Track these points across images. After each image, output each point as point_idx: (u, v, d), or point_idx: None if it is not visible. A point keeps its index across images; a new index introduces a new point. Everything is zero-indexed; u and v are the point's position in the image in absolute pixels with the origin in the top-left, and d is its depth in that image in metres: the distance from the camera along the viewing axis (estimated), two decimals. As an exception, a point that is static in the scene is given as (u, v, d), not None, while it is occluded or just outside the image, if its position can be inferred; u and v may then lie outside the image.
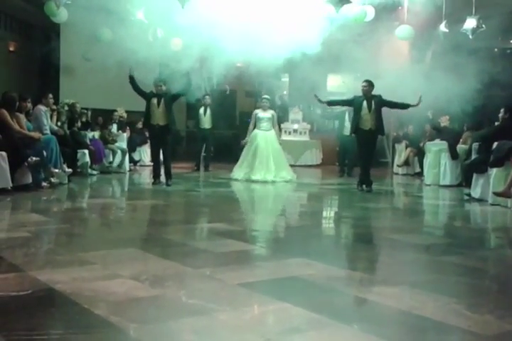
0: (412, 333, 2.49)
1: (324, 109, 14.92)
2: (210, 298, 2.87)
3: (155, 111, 8.80)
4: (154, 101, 8.82)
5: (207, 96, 12.44)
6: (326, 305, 2.84)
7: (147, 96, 8.93)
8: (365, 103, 8.49)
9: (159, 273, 3.36)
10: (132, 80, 8.83)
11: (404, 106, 8.68)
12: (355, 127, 8.63)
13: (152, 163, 9.65)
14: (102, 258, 3.71)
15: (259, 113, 10.33)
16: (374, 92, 8.55)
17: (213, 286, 3.12)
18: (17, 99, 7.71)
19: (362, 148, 8.71)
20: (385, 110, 8.64)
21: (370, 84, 8.54)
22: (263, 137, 10.19)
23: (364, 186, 8.58)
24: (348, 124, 11.09)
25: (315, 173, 13.08)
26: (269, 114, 10.34)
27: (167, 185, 8.68)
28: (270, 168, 9.97)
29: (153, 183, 8.86)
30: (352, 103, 8.76)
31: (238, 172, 10.15)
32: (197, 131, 12.58)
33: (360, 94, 8.62)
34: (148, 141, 13.82)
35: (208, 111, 12.30)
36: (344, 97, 9.34)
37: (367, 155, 8.73)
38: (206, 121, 12.27)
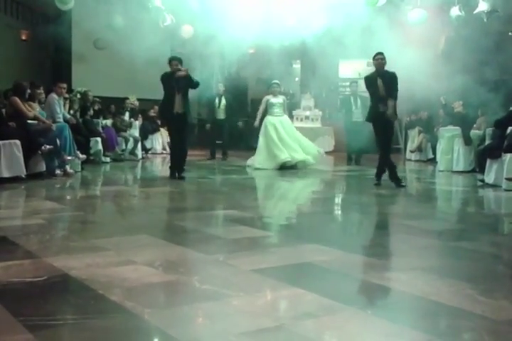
0: (426, 318, 2.48)
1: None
2: (223, 283, 2.88)
3: (175, 96, 7.87)
4: (173, 84, 7.86)
5: (220, 84, 12.28)
6: (339, 291, 2.84)
7: (164, 81, 7.97)
8: (380, 81, 7.38)
9: (173, 259, 3.37)
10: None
11: (391, 104, 7.41)
12: (371, 113, 7.59)
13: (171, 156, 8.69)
14: (116, 245, 3.74)
15: (271, 98, 10.24)
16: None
17: (227, 272, 3.13)
18: (27, 87, 7.75)
19: (378, 133, 7.60)
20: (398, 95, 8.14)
21: (384, 58, 7.46)
22: (279, 123, 10.12)
23: (393, 182, 7.48)
24: (356, 110, 10.97)
25: (327, 160, 13.03)
26: (280, 99, 10.27)
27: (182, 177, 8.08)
28: (296, 148, 9.95)
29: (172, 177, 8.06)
30: (369, 87, 7.59)
31: (261, 161, 9.94)
32: (212, 121, 12.33)
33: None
34: (161, 129, 13.90)
35: (223, 101, 12.07)
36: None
37: (386, 140, 7.63)
38: (221, 111, 12.07)
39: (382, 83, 7.38)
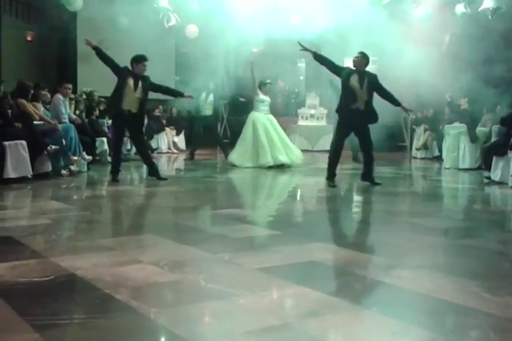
0: (431, 316, 2.48)
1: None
2: (229, 282, 2.88)
3: (129, 94, 7.39)
4: (131, 82, 7.39)
5: (211, 82, 11.75)
6: (344, 289, 2.85)
7: (121, 73, 7.42)
8: (355, 76, 7.17)
9: (178, 259, 3.38)
10: (99, 51, 7.46)
11: (393, 100, 7.34)
12: (341, 105, 7.31)
13: (113, 157, 8.06)
14: (122, 244, 3.75)
15: (261, 95, 10.16)
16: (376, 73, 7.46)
17: (232, 271, 3.14)
18: (31, 87, 7.77)
19: (343, 131, 7.37)
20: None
21: (363, 57, 7.26)
22: (268, 121, 10.03)
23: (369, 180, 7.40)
24: None
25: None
26: (268, 97, 10.22)
27: (162, 179, 7.68)
28: (281, 150, 9.82)
29: (113, 180, 7.46)
30: (340, 73, 7.35)
31: (243, 158, 9.86)
32: (196, 117, 11.79)
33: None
34: (166, 128, 13.90)
35: (210, 97, 11.59)
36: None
37: (365, 144, 7.38)
38: (207, 107, 11.53)
39: (358, 79, 7.16)
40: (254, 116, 10.09)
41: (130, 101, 7.41)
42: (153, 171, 7.81)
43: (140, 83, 7.44)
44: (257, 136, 9.87)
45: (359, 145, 7.66)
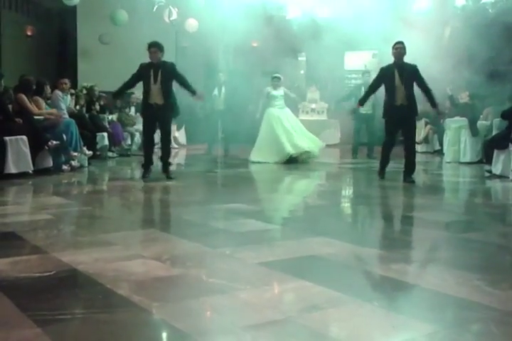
0: (432, 310, 2.48)
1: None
2: (230, 277, 2.89)
3: (152, 87, 7.18)
4: (151, 74, 7.15)
5: (221, 74, 11.65)
6: (346, 283, 2.84)
7: (141, 73, 7.28)
8: (396, 72, 6.90)
9: (180, 253, 3.39)
10: (118, 93, 7.86)
11: (430, 98, 7.08)
12: (388, 104, 7.03)
13: (144, 151, 7.75)
14: (123, 239, 3.75)
15: (272, 91, 10.10)
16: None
17: (234, 265, 3.14)
18: (33, 83, 7.77)
19: (393, 130, 7.10)
20: None
21: (404, 47, 6.94)
22: (283, 114, 9.97)
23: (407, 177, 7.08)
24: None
25: (333, 153, 12.99)
26: (281, 91, 10.15)
27: (170, 178, 7.24)
28: (301, 139, 9.76)
29: (143, 176, 7.29)
30: (382, 82, 7.15)
31: (261, 155, 9.74)
32: (211, 113, 11.59)
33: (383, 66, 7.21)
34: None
35: (223, 90, 11.41)
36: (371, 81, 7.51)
37: (408, 140, 7.11)
38: (221, 102, 11.40)
39: (399, 75, 6.88)
40: (267, 112, 10.02)
41: (154, 94, 7.21)
42: (165, 169, 7.45)
43: (160, 72, 7.17)
44: (272, 131, 9.77)
45: (384, 142, 7.35)
